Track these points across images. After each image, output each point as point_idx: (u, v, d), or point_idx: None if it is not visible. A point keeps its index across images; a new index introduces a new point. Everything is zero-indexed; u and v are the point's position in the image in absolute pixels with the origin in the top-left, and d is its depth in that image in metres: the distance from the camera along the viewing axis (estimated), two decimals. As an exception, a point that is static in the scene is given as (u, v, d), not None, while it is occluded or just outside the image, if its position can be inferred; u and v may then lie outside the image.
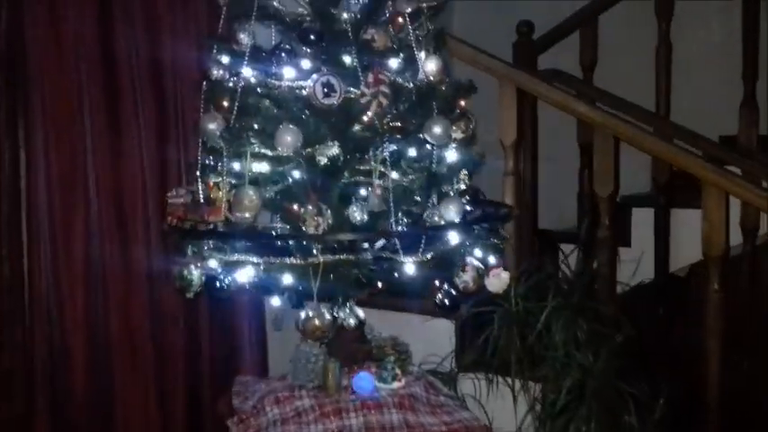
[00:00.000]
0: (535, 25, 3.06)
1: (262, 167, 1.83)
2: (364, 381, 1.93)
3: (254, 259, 1.78)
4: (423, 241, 1.73)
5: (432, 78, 1.82)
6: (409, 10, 1.84)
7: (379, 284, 1.90)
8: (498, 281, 1.82)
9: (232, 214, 1.78)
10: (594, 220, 2.41)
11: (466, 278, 1.77)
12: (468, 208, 1.82)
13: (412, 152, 1.82)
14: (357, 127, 1.77)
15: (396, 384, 1.96)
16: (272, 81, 1.81)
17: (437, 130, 1.74)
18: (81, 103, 2.24)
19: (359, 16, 1.82)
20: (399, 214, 1.78)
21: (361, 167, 1.79)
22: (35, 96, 2.16)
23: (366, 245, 1.76)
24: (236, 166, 1.83)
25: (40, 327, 2.19)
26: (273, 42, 1.91)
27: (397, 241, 1.72)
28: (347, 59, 1.78)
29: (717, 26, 3.44)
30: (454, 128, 1.85)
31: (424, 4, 1.87)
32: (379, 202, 1.73)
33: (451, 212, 1.75)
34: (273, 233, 1.83)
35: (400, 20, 1.86)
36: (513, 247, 2.32)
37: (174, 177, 2.41)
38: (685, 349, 2.55)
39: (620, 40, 3.31)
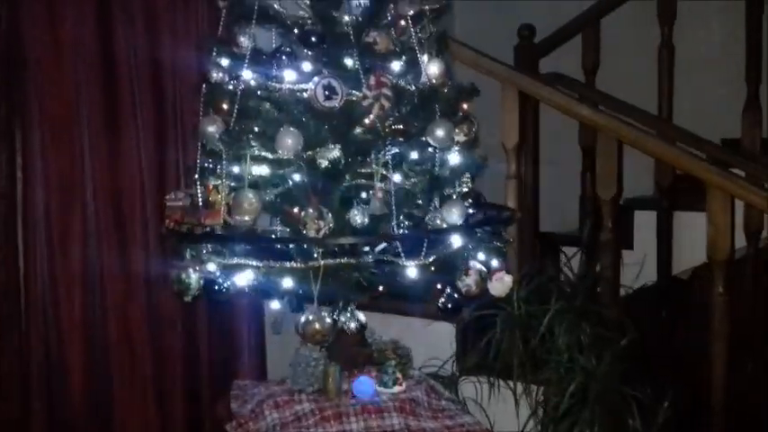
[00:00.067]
0: (536, 28, 3.05)
1: (262, 170, 1.81)
2: (365, 385, 1.91)
3: (254, 263, 1.77)
4: (425, 245, 1.72)
5: (434, 81, 1.81)
6: (411, 12, 1.82)
7: (381, 288, 1.89)
8: (501, 284, 1.81)
9: (231, 217, 1.77)
10: (597, 222, 2.40)
11: (469, 282, 1.75)
12: (470, 211, 1.81)
13: (414, 155, 1.80)
14: (358, 130, 1.76)
15: (397, 388, 1.94)
16: (273, 84, 1.80)
17: (440, 133, 1.73)
18: (79, 104, 2.23)
19: (360, 19, 1.80)
20: (401, 217, 1.77)
21: (363, 170, 1.77)
22: (32, 97, 2.15)
23: (367, 248, 1.74)
24: (236, 169, 1.82)
25: (37, 330, 2.17)
26: (274, 45, 1.90)
27: (398, 245, 1.71)
28: (349, 62, 1.77)
29: (717, 28, 3.43)
30: (456, 131, 1.84)
31: (426, 7, 1.86)
32: (380, 206, 1.72)
33: (454, 215, 1.74)
34: (273, 237, 1.82)
35: (402, 22, 1.84)
36: (515, 251, 2.31)
37: (173, 180, 2.39)
38: (688, 352, 2.54)
39: (622, 43, 3.30)
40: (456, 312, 1.83)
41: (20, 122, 2.13)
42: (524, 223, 2.43)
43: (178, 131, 2.42)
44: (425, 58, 1.83)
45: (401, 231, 1.72)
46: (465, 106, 1.93)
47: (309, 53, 1.77)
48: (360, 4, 1.81)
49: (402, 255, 1.73)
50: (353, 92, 1.74)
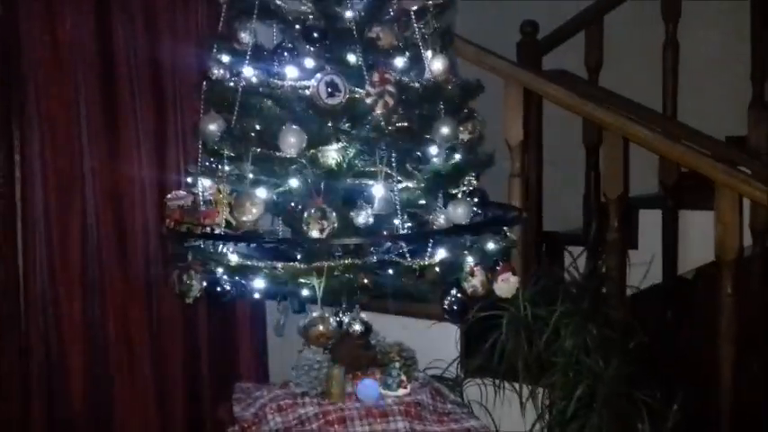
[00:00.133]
0: (539, 25, 3.02)
1: (264, 169, 1.78)
2: (369, 388, 1.88)
3: (256, 263, 1.74)
4: (430, 245, 1.68)
5: (438, 78, 1.78)
6: (415, 8, 1.79)
7: (384, 288, 1.85)
8: (507, 285, 1.78)
9: (233, 217, 1.74)
10: (602, 221, 2.37)
11: (474, 282, 1.73)
12: (475, 210, 1.77)
13: (419, 153, 1.77)
14: (362, 127, 1.72)
15: (401, 391, 1.91)
16: (275, 81, 1.77)
17: (445, 130, 1.70)
18: (78, 102, 2.20)
19: (363, 14, 1.77)
20: (405, 217, 1.73)
21: (367, 169, 1.74)
22: (31, 95, 2.13)
23: (372, 248, 1.71)
24: (238, 168, 1.79)
25: (36, 330, 2.16)
26: (275, 41, 1.86)
27: (403, 245, 1.67)
28: (352, 58, 1.74)
29: (721, 27, 3.41)
30: (461, 128, 1.81)
31: (430, 2, 1.82)
32: (385, 205, 1.68)
33: (459, 215, 1.71)
34: (276, 237, 1.78)
35: (406, 18, 1.81)
36: (520, 251, 2.28)
37: (174, 179, 2.37)
38: (692, 352, 2.51)
39: (626, 41, 3.27)
40: (462, 314, 1.80)
41: (18, 121, 2.11)
42: (528, 222, 2.40)
43: (178, 130, 2.39)
44: (429, 54, 1.80)
45: (406, 231, 1.69)
46: (469, 103, 1.91)
47: (311, 49, 1.74)
48: (362, -1, 1.78)
49: (407, 255, 1.70)
50: (357, 89, 1.71)
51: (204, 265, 1.82)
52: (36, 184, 2.14)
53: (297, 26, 1.78)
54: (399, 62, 1.79)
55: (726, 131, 3.08)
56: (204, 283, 1.82)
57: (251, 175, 1.75)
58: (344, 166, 1.72)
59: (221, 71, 1.85)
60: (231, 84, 1.81)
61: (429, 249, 1.71)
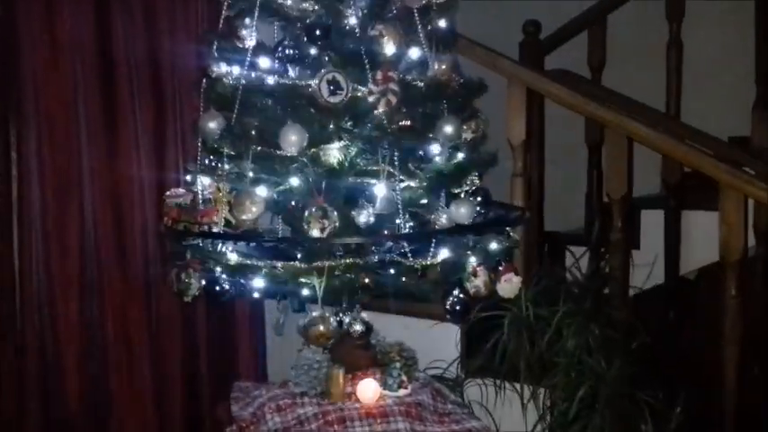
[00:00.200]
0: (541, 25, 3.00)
1: (264, 168, 1.76)
2: (369, 388, 1.86)
3: (256, 263, 1.72)
4: (432, 244, 1.67)
5: (442, 76, 1.76)
6: (418, 5, 1.77)
7: (386, 288, 1.84)
8: (510, 285, 1.76)
9: (233, 216, 1.72)
10: (605, 221, 2.35)
11: (477, 283, 1.71)
12: (479, 210, 1.76)
13: (421, 152, 1.75)
14: (364, 126, 1.71)
15: (402, 392, 1.89)
16: (276, 78, 1.75)
17: (448, 129, 1.68)
18: (76, 100, 2.19)
19: (366, 12, 1.75)
20: (407, 216, 1.72)
21: (369, 168, 1.72)
22: (28, 92, 2.11)
23: (373, 248, 1.70)
24: (237, 166, 1.77)
25: (32, 329, 2.14)
26: (276, 38, 1.85)
27: (405, 244, 1.66)
28: (354, 56, 1.71)
29: (725, 27, 3.39)
30: (464, 127, 1.79)
31: (433, 0, 1.81)
32: (387, 204, 1.67)
33: (462, 214, 1.69)
34: (276, 236, 1.77)
35: (409, 16, 1.79)
36: (522, 251, 2.26)
37: (173, 177, 2.35)
38: (695, 353, 2.50)
39: (628, 41, 3.25)
40: (464, 314, 1.78)
41: (15, 118, 2.10)
42: (531, 222, 2.39)
43: (178, 128, 2.38)
44: (433, 52, 1.78)
45: (408, 231, 1.67)
46: (472, 103, 1.89)
47: (314, 47, 1.72)
48: (365, -4, 1.76)
49: (409, 254, 1.68)
50: (359, 87, 1.69)
51: (203, 264, 1.80)
52: (33, 183, 2.13)
53: (298, 24, 1.76)
54: (403, 60, 1.77)
55: (728, 132, 3.06)
56: (203, 282, 1.80)
57: (251, 174, 1.73)
58: (346, 164, 1.70)
59: (221, 69, 1.83)
60: (231, 81, 1.80)
61: (431, 249, 1.69)
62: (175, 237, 1.80)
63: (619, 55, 3.10)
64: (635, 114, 2.43)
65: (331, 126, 1.71)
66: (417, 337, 2.19)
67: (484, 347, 2.17)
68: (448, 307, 1.76)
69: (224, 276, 1.77)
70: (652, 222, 2.89)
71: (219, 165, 1.78)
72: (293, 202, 1.78)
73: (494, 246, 1.80)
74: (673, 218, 2.79)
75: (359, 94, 1.70)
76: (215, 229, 1.73)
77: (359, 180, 1.75)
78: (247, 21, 1.78)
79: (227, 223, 1.73)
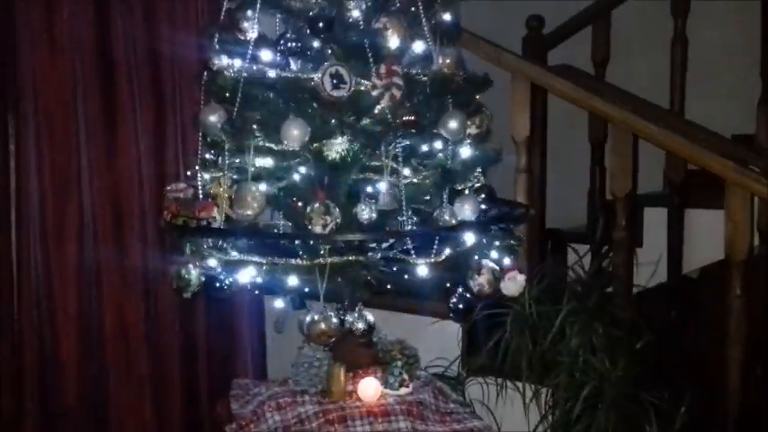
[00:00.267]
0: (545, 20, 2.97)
1: (266, 162, 1.73)
2: (370, 387, 1.84)
3: (257, 259, 1.69)
4: (436, 242, 1.64)
5: (446, 71, 1.73)
6: (423, -2, 1.74)
7: (388, 286, 1.81)
8: (514, 284, 1.74)
9: (233, 211, 1.69)
10: (608, 219, 2.33)
11: (481, 281, 1.68)
12: (483, 207, 1.73)
13: (425, 148, 1.72)
14: (367, 121, 1.68)
15: (403, 390, 1.87)
16: (278, 71, 1.71)
17: (453, 124, 1.65)
18: (75, 93, 2.16)
19: (370, 4, 1.72)
20: (410, 213, 1.69)
21: (372, 164, 1.69)
22: (26, 86, 2.08)
23: (376, 245, 1.67)
24: (238, 160, 1.74)
25: (30, 325, 2.12)
26: (278, 30, 1.81)
27: (408, 241, 1.63)
28: (358, 49, 1.68)
29: (731, 23, 3.37)
30: (469, 123, 1.76)
31: (439, -7, 1.78)
32: (390, 201, 1.64)
33: (466, 211, 1.66)
34: (277, 232, 1.74)
35: (413, 9, 1.76)
36: (524, 248, 2.24)
37: (173, 172, 2.33)
38: (697, 352, 2.48)
39: (632, 36, 3.23)
40: (468, 313, 1.75)
41: (13, 109, 2.07)
42: (533, 220, 2.36)
43: (178, 122, 2.35)
44: (437, 46, 1.75)
45: (412, 227, 1.64)
46: (477, 97, 1.86)
47: (317, 39, 1.69)
48: (369, -12, 1.73)
49: (412, 252, 1.65)
50: (363, 80, 1.66)
51: (203, 260, 1.77)
52: (31, 175, 2.10)
53: (301, 16, 1.73)
54: (407, 54, 1.74)
55: (732, 130, 3.04)
56: (203, 279, 1.78)
57: (252, 168, 1.70)
58: (349, 160, 1.67)
59: (223, 61, 1.80)
60: (233, 74, 1.76)
61: (435, 247, 1.66)
62: (175, 231, 1.77)
63: (622, 51, 3.08)
64: (639, 111, 2.41)
65: (333, 120, 1.68)
66: (418, 335, 2.17)
67: (485, 346, 2.15)
68: (451, 305, 1.74)
69: (224, 273, 1.73)
70: (655, 220, 2.86)
71: (220, 159, 1.75)
72: (294, 198, 1.75)
73: (498, 243, 1.77)
74: (676, 216, 2.76)
75: (362, 88, 1.66)
76: (214, 225, 1.70)
77: (361, 176, 1.72)
78: (249, 13, 1.75)
79: (227, 219, 1.70)
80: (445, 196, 1.73)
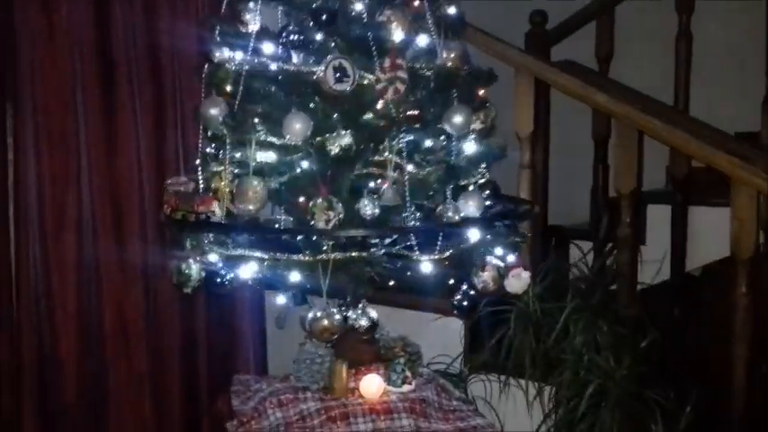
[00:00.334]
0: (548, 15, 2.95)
1: (267, 157, 1.71)
2: (373, 384, 1.82)
3: (258, 255, 1.67)
4: (440, 238, 1.62)
5: (451, 65, 1.71)
6: (427, -10, 1.72)
7: (391, 282, 1.79)
8: (518, 281, 1.72)
9: (234, 206, 1.67)
10: (612, 216, 2.31)
11: (485, 278, 1.66)
12: (487, 203, 1.71)
13: (429, 143, 1.70)
14: (371, 115, 1.65)
15: (406, 387, 1.85)
16: (280, 64, 1.69)
17: (458, 119, 1.63)
18: (74, 87, 2.14)
19: (374, -4, 1.70)
20: (413, 209, 1.67)
21: (375, 158, 1.67)
22: (24, 80, 2.06)
23: (379, 241, 1.65)
24: (240, 154, 1.72)
25: (29, 322, 2.10)
26: (280, 23, 1.79)
27: (412, 238, 1.61)
28: (361, 42, 1.66)
29: (735, 20, 3.34)
30: (473, 118, 1.74)
31: (442, -15, 1.75)
32: (393, 196, 1.62)
33: (471, 208, 1.64)
34: (279, 227, 1.72)
35: (417, 2, 1.74)
36: (528, 245, 2.22)
37: (173, 166, 2.31)
38: (699, 350, 2.47)
39: (635, 32, 3.21)
40: (472, 310, 1.74)
41: (11, 104, 2.05)
42: (537, 216, 2.35)
43: (178, 115, 2.33)
44: (442, 40, 1.73)
45: (415, 224, 1.62)
46: (481, 92, 1.84)
47: (319, 32, 1.67)
48: (373, -20, 1.70)
49: (415, 248, 1.64)
50: (366, 74, 1.64)
51: (203, 255, 1.75)
52: (30, 170, 2.08)
53: (304, 8, 1.70)
54: (411, 48, 1.71)
55: (736, 127, 3.02)
56: (203, 274, 1.76)
57: (254, 163, 1.68)
58: (351, 154, 1.65)
59: (224, 53, 1.77)
60: (234, 67, 1.74)
61: (438, 243, 1.64)
62: (174, 226, 1.75)
63: (626, 47, 3.05)
64: (644, 107, 2.39)
65: (336, 114, 1.66)
66: (420, 331, 2.15)
67: (488, 343, 2.13)
68: (455, 302, 1.72)
69: (225, 268, 1.71)
70: (658, 217, 2.85)
71: (221, 153, 1.73)
72: (297, 193, 1.73)
73: (502, 240, 1.75)
74: (680, 213, 2.74)
75: (365, 82, 1.64)
76: (214, 219, 1.68)
77: (364, 171, 1.70)
78: (251, 4, 1.73)
79: (229, 213, 1.68)
80: (449, 192, 1.71)
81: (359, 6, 1.68)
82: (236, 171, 1.70)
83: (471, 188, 1.73)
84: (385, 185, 1.64)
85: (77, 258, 2.16)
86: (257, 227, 1.70)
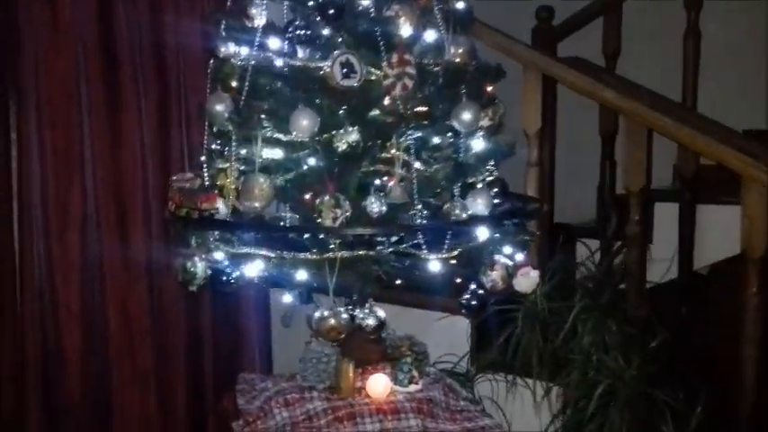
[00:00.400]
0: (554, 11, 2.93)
1: (274, 153, 1.69)
2: (379, 383, 1.80)
3: (264, 253, 1.65)
4: (448, 236, 1.60)
5: (459, 60, 1.68)
6: (435, -15, 1.69)
7: (398, 281, 1.77)
8: (527, 280, 1.70)
9: (240, 203, 1.65)
10: (620, 214, 2.29)
11: (494, 277, 1.64)
12: (495, 201, 1.69)
13: (437, 140, 1.68)
14: (378, 111, 1.63)
15: (413, 387, 1.83)
16: (286, 60, 1.67)
17: (466, 116, 1.61)
18: (78, 81, 2.12)
19: (381, -10, 1.67)
20: (420, 206, 1.65)
21: (383, 155, 1.65)
22: (28, 75, 2.04)
23: (387, 239, 1.63)
24: (245, 151, 1.70)
25: (32, 318, 2.09)
26: (286, 17, 1.77)
27: (420, 236, 1.59)
28: (369, 38, 1.64)
29: (743, 18, 3.32)
30: (482, 114, 1.71)
31: (451, -20, 1.73)
32: (401, 194, 1.60)
33: (479, 206, 1.62)
34: (286, 225, 1.70)
35: (425, -4, 1.71)
36: (535, 243, 2.20)
37: (177, 162, 2.29)
38: (707, 350, 2.45)
39: (642, 29, 3.19)
40: (480, 309, 1.72)
41: (15, 98, 2.04)
42: (543, 214, 2.32)
43: (183, 111, 2.31)
44: (449, 35, 1.70)
45: (423, 222, 1.60)
46: (490, 88, 1.81)
47: (326, 27, 1.64)
48: (381, -26, 1.68)
49: (423, 247, 1.61)
50: (373, 70, 1.61)
51: (209, 253, 1.73)
52: (33, 164, 2.06)
53: (311, 2, 1.68)
54: (419, 43, 1.69)
55: (741, 125, 2.99)
56: (209, 272, 1.74)
57: (260, 160, 1.66)
58: (359, 151, 1.63)
59: (229, 49, 1.75)
60: (240, 63, 1.72)
61: (446, 241, 1.62)
62: (179, 223, 1.74)
63: (632, 43, 3.03)
64: (654, 104, 2.37)
65: (343, 111, 1.64)
66: (426, 330, 2.13)
67: (495, 342, 2.11)
68: (464, 301, 1.70)
69: (231, 266, 1.69)
70: (666, 216, 2.82)
71: (227, 149, 1.71)
72: (303, 190, 1.71)
73: (511, 239, 1.73)
74: (688, 211, 2.72)
75: (373, 78, 1.62)
76: (219, 217, 1.66)
77: (372, 168, 1.68)
78: (257, -1, 1.70)
79: (234, 210, 1.66)
80: (457, 190, 1.69)
81: (366, 1, 1.66)
82: (241, 168, 1.68)
83: (479, 186, 1.71)
84: (392, 183, 1.62)
85: (81, 254, 2.14)
86: (263, 224, 1.69)
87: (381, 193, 1.62)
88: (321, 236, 1.59)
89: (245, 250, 1.68)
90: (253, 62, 1.67)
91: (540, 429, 2.02)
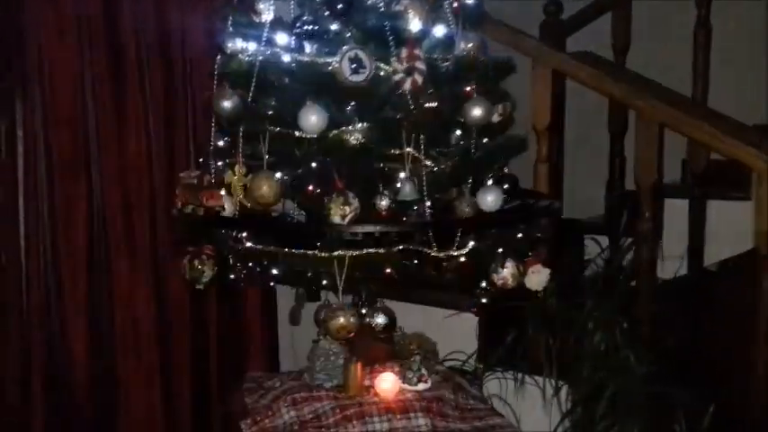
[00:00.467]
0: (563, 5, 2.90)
1: (281, 150, 1.67)
2: (388, 382, 1.79)
3: (273, 250, 1.63)
4: (458, 234, 1.58)
5: (469, 56, 1.66)
6: (444, -21, 1.67)
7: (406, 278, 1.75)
8: (538, 277, 1.68)
9: (247, 200, 1.63)
10: (630, 210, 2.26)
11: (505, 274, 1.62)
12: (506, 198, 1.67)
13: (447, 136, 1.66)
14: (388, 107, 1.61)
15: (421, 386, 1.82)
16: (294, 55, 1.65)
17: (477, 112, 1.59)
18: (83, 77, 2.11)
19: (390, -15, 1.65)
20: (430, 203, 1.63)
21: (392, 152, 1.63)
22: (33, 71, 2.03)
23: (395, 236, 1.61)
24: (253, 147, 1.68)
25: (38, 313, 2.09)
26: (293, 12, 1.75)
27: (430, 233, 1.57)
28: (378, 33, 1.62)
29: (752, 12, 3.28)
30: (492, 110, 1.69)
31: (460, -25, 1.70)
32: (411, 191, 1.58)
33: (490, 202, 1.60)
34: (295, 222, 1.68)
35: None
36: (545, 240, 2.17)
37: (184, 157, 2.28)
38: (715, 347, 2.42)
39: (651, 23, 3.15)
40: (491, 306, 1.70)
41: (21, 94, 2.02)
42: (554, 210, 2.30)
43: (189, 106, 2.29)
44: (459, 30, 1.68)
45: (434, 219, 1.58)
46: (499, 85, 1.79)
47: (334, 22, 1.62)
48: (390, -31, 1.66)
49: (433, 244, 1.60)
50: (383, 65, 1.59)
51: (216, 250, 1.72)
52: (39, 159, 2.06)
53: (319, -2, 1.66)
54: (427, 38, 1.67)
55: (752, 119, 2.96)
56: (216, 269, 1.72)
57: (267, 156, 1.64)
58: (368, 148, 1.61)
59: (237, 45, 1.73)
60: (247, 58, 1.70)
61: (457, 239, 1.60)
62: (186, 220, 1.72)
63: (641, 37, 3.00)
64: (665, 99, 2.34)
65: (352, 107, 1.62)
66: (433, 327, 2.11)
67: (504, 339, 2.09)
68: (474, 299, 1.68)
69: (239, 264, 1.68)
70: (675, 212, 2.79)
71: (234, 146, 1.69)
72: (311, 188, 1.69)
73: (521, 235, 1.71)
74: (698, 207, 2.69)
75: (382, 74, 1.60)
76: (224, 214, 1.64)
77: (381, 165, 1.66)
78: (265, -6, 1.68)
79: (242, 208, 1.64)
80: (467, 187, 1.67)
81: (376, -5, 1.63)
82: (249, 165, 1.66)
83: (490, 182, 1.69)
84: (402, 180, 1.60)
85: (87, 252, 2.13)
86: (271, 222, 1.67)
87: (391, 190, 1.60)
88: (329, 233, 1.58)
89: (253, 247, 1.67)
90: (260, 58, 1.65)
91: (550, 428, 2.00)
